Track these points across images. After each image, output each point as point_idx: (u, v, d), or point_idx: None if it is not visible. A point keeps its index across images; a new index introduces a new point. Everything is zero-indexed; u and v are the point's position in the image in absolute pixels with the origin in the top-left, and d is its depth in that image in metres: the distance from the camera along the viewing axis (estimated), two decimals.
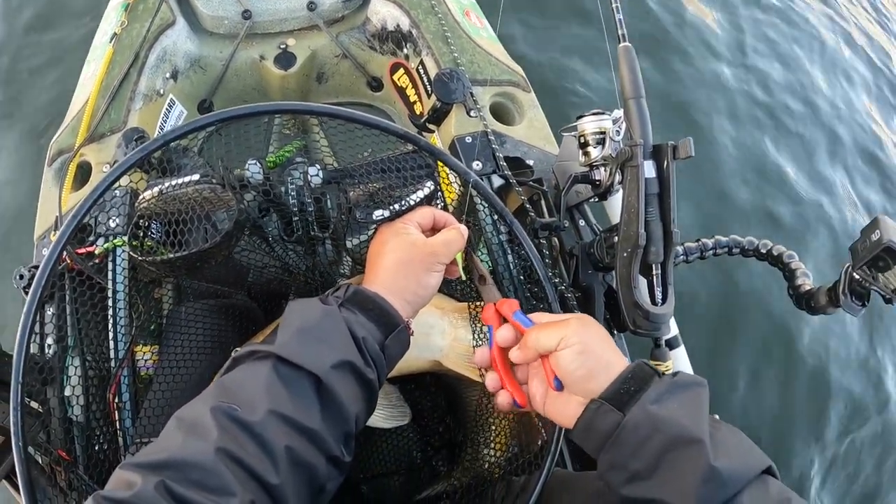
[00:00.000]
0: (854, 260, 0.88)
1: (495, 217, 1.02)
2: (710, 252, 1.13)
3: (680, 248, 1.12)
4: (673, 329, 1.19)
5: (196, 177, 0.77)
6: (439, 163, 0.95)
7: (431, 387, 1.26)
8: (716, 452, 0.54)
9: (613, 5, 0.98)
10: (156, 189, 0.80)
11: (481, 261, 0.85)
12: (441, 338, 1.00)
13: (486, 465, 0.98)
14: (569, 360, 0.63)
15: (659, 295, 0.93)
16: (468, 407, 1.11)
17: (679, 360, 1.20)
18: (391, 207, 0.82)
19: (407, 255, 0.73)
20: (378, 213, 0.85)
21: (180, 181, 0.77)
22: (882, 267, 0.86)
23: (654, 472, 0.57)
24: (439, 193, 0.92)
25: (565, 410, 0.65)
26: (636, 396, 0.59)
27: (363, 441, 1.20)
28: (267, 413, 0.56)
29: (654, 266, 0.92)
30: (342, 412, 0.61)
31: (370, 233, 0.89)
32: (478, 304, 0.97)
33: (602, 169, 1.06)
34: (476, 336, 0.95)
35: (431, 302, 0.94)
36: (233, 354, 0.64)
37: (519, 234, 0.85)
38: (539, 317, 0.72)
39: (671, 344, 1.18)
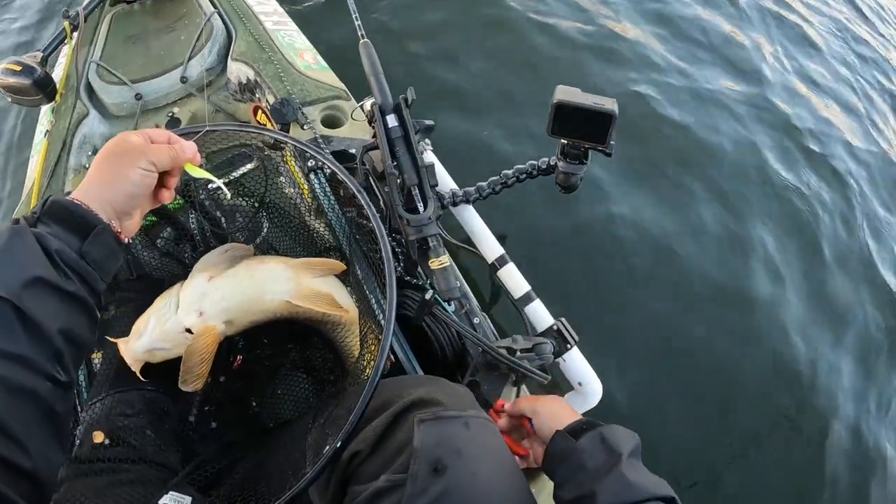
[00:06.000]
0: (547, 127, 1.15)
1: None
2: (500, 186, 1.43)
3: (472, 189, 1.45)
4: (524, 286, 1.43)
5: None
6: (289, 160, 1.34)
7: (319, 345, 1.44)
8: (632, 473, 0.76)
9: (353, 14, 1.38)
10: None
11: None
12: (286, 283, 1.18)
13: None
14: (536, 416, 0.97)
15: (421, 207, 1.27)
16: (346, 351, 1.32)
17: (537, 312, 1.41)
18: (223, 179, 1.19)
19: (110, 150, 0.73)
20: (212, 185, 1.22)
21: None
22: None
23: (596, 477, 0.77)
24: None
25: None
26: (586, 432, 0.84)
27: (269, 394, 1.45)
28: None
29: (413, 188, 1.27)
30: (42, 330, 0.59)
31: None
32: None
33: None
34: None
35: (276, 258, 1.27)
36: None
37: (370, 210, 1.06)
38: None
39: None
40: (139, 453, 1.13)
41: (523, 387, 1.30)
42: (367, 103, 1.42)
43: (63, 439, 0.62)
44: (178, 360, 1.16)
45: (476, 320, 1.41)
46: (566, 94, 1.12)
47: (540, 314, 1.39)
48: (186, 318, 1.14)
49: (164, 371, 1.35)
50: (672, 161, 2.61)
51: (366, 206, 1.06)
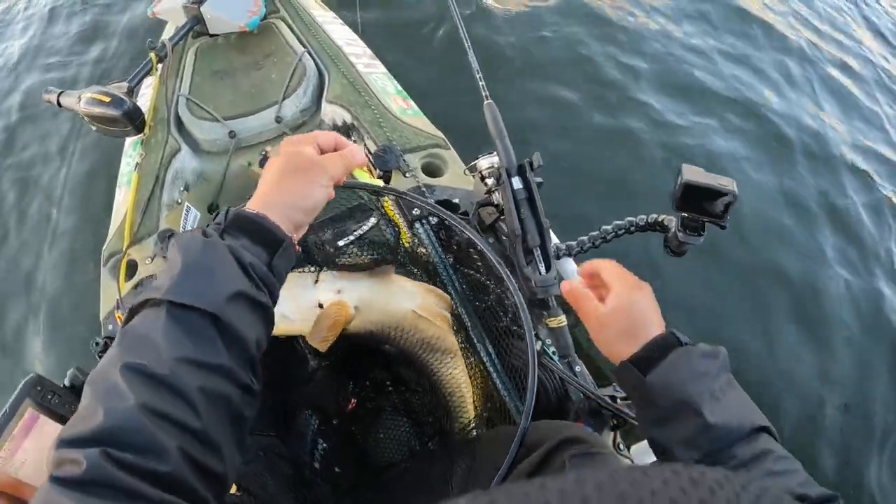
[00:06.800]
0: (672, 202, 1.21)
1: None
2: (599, 240, 1.50)
3: (574, 242, 1.51)
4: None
5: None
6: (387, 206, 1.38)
7: (418, 387, 1.49)
8: (714, 411, 0.70)
9: (477, 74, 1.44)
10: None
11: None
12: (413, 297, 1.24)
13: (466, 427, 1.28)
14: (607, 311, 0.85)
15: (542, 268, 1.32)
16: (452, 385, 1.33)
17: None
18: (349, 237, 1.23)
19: (290, 165, 0.72)
20: (342, 241, 1.26)
21: None
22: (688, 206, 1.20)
23: (667, 422, 0.74)
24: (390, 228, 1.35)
25: (610, 349, 0.85)
26: (656, 363, 0.76)
27: (373, 438, 1.48)
28: (174, 361, 0.56)
29: (535, 249, 1.32)
30: (242, 342, 0.61)
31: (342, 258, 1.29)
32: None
33: (497, 193, 1.47)
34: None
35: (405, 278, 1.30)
36: (129, 306, 0.63)
37: (491, 255, 1.06)
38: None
39: None
40: (260, 500, 1.17)
41: (618, 432, 1.36)
42: (481, 162, 1.47)
43: (244, 443, 0.63)
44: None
45: (577, 368, 1.46)
46: (693, 174, 1.19)
47: None
48: (324, 294, 1.19)
49: (272, 420, 1.39)
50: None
51: (506, 279, 1.09)
